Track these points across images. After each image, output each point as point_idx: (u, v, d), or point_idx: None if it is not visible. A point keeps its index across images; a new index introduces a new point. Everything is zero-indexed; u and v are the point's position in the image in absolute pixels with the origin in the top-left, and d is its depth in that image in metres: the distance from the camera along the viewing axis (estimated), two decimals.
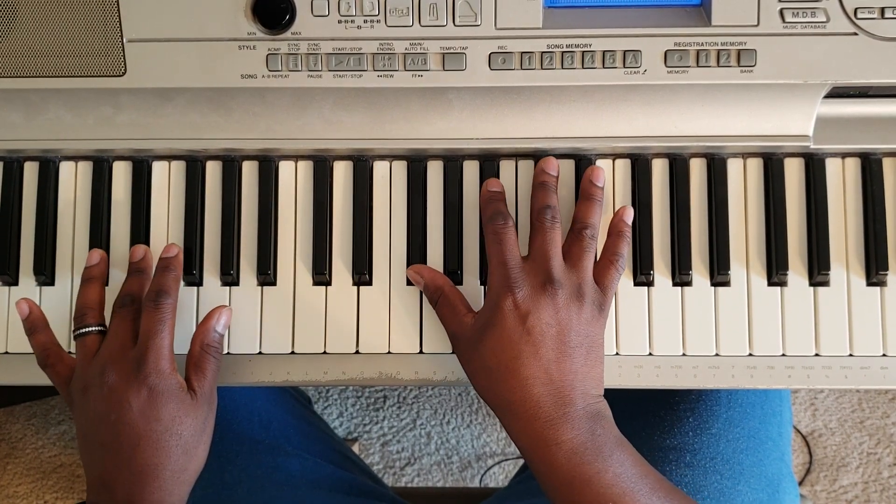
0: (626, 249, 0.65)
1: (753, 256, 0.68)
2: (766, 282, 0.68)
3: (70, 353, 0.67)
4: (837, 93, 0.67)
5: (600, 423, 0.59)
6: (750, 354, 0.67)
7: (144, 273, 0.67)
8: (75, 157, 0.70)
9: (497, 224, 0.64)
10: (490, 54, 0.65)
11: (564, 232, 0.66)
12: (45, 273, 0.69)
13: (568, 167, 0.69)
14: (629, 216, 0.67)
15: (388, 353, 0.68)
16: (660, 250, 0.68)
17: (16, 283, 0.70)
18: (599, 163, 0.69)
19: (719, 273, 0.67)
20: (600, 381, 0.62)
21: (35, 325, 0.67)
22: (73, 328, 0.66)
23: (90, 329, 0.65)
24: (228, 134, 0.68)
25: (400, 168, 0.70)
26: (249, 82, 0.66)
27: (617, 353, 0.68)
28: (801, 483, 1.38)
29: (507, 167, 0.69)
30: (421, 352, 0.68)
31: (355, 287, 0.69)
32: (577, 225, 0.65)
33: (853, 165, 0.69)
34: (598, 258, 0.66)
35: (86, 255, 0.69)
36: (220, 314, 0.66)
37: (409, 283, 0.69)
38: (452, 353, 0.68)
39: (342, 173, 0.70)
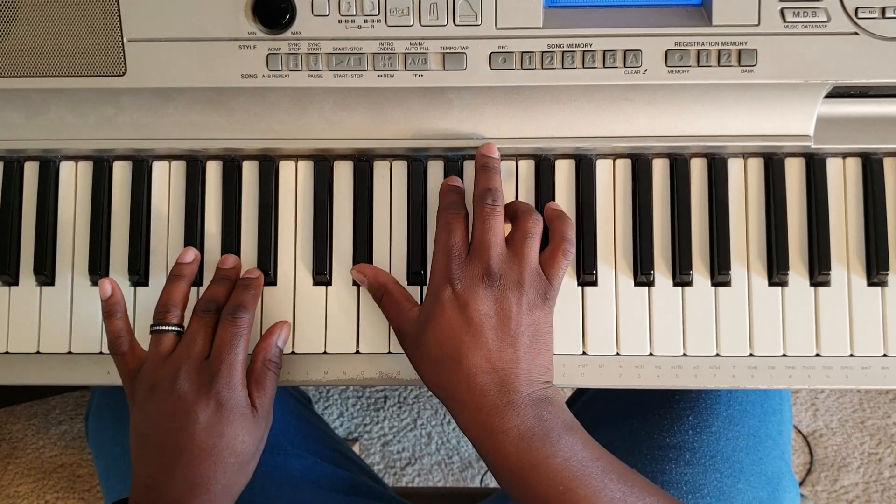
0: (571, 232, 0.64)
1: (754, 256, 0.68)
2: (766, 282, 0.68)
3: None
4: (838, 92, 0.67)
5: (547, 408, 0.59)
6: (751, 354, 0.67)
7: (230, 281, 0.67)
8: (76, 157, 0.70)
9: (449, 213, 0.64)
10: (490, 54, 0.65)
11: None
12: (46, 273, 0.69)
13: (568, 167, 0.69)
14: (557, 204, 0.67)
15: (389, 352, 0.68)
16: (660, 250, 0.68)
17: (16, 283, 0.70)
18: (600, 162, 0.69)
19: (720, 273, 0.67)
20: (548, 368, 0.61)
21: (114, 308, 0.66)
22: (152, 322, 0.65)
23: (170, 328, 0.64)
24: (229, 134, 0.68)
25: (400, 168, 0.70)
26: (250, 82, 0.66)
27: (617, 354, 0.68)
28: (801, 483, 1.37)
29: (507, 167, 0.69)
30: None
31: (355, 287, 0.69)
32: (516, 211, 0.64)
33: (854, 165, 0.69)
34: (546, 248, 0.64)
35: (85, 256, 0.69)
36: (280, 329, 0.66)
37: (409, 283, 0.69)
38: None
39: (343, 173, 0.70)
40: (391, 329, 0.68)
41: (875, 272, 0.67)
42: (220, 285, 0.66)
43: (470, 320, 0.60)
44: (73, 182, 0.70)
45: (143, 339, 0.66)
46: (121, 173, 0.70)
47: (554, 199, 0.68)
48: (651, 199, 0.68)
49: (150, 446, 0.62)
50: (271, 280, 0.69)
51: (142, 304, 0.69)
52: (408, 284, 0.68)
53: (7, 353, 0.69)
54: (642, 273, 0.67)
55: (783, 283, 0.68)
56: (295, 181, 0.70)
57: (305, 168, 0.70)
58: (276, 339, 0.66)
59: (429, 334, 0.61)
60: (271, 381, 0.65)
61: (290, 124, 0.68)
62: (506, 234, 0.64)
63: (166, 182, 0.70)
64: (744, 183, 0.69)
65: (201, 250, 0.69)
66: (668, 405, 0.77)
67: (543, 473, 0.57)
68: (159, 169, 0.70)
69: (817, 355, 0.67)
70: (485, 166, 0.65)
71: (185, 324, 0.65)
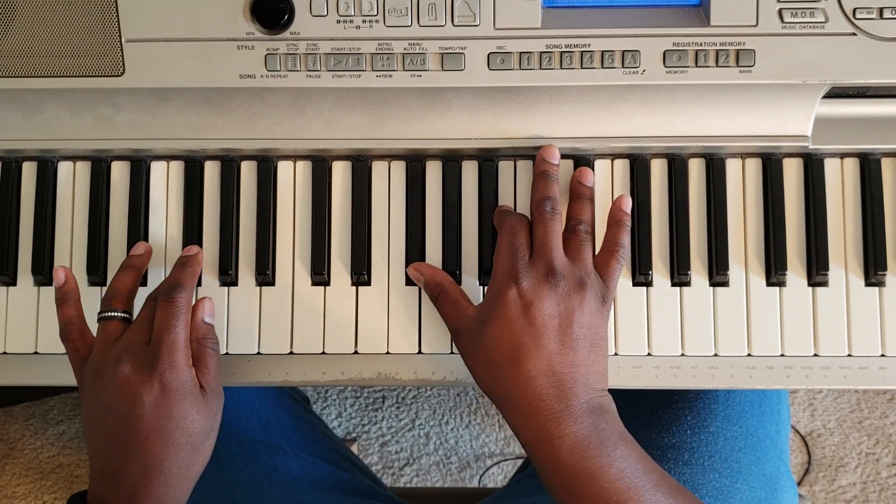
0: (626, 239, 0.65)
1: (752, 256, 0.68)
2: (764, 282, 0.68)
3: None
4: (836, 93, 0.67)
5: (604, 416, 0.59)
6: (749, 355, 0.67)
7: (191, 265, 0.66)
8: (74, 157, 0.70)
9: (514, 218, 0.64)
10: (489, 54, 0.65)
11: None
12: (44, 273, 0.69)
13: (567, 167, 0.69)
14: (627, 205, 0.66)
15: (387, 353, 0.68)
16: (658, 250, 0.68)
17: (14, 283, 0.70)
18: (598, 163, 0.69)
19: (718, 273, 0.67)
20: (604, 375, 0.61)
21: (67, 296, 0.66)
22: (99, 310, 0.65)
23: (115, 314, 0.64)
24: (227, 134, 0.68)
25: (399, 168, 0.70)
26: (248, 82, 0.66)
27: (616, 354, 0.68)
28: (799, 483, 1.38)
29: (505, 167, 0.69)
30: (420, 352, 0.68)
31: (354, 287, 0.69)
32: (571, 222, 0.65)
33: (852, 165, 0.69)
34: (598, 251, 0.66)
35: (83, 256, 0.69)
36: (202, 305, 0.65)
37: (407, 283, 0.69)
38: (451, 353, 0.68)
39: (341, 173, 0.70)
40: (389, 329, 0.68)
41: (873, 272, 0.67)
42: (183, 270, 0.66)
43: (533, 320, 0.59)
44: (71, 182, 0.70)
45: None
46: (119, 173, 0.70)
47: None
48: (649, 200, 0.68)
49: (101, 434, 0.62)
50: (269, 280, 0.69)
51: (139, 303, 0.69)
52: (406, 285, 0.68)
53: (5, 353, 0.69)
54: (640, 273, 0.68)
55: (781, 284, 0.68)
56: (293, 181, 0.70)
57: (304, 168, 0.70)
58: (201, 316, 0.65)
59: (488, 333, 0.60)
60: (212, 358, 0.64)
61: (289, 124, 0.68)
62: None
63: (164, 182, 0.70)
64: (742, 183, 0.69)
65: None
66: (667, 405, 0.77)
67: (597, 483, 0.56)
68: (157, 169, 0.70)
69: (815, 355, 0.67)
70: (544, 174, 0.66)
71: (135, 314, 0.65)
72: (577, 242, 0.64)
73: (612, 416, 0.60)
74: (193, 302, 0.66)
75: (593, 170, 0.69)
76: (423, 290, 0.68)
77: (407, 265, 0.68)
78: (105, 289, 0.67)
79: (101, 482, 0.62)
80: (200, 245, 0.69)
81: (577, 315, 0.60)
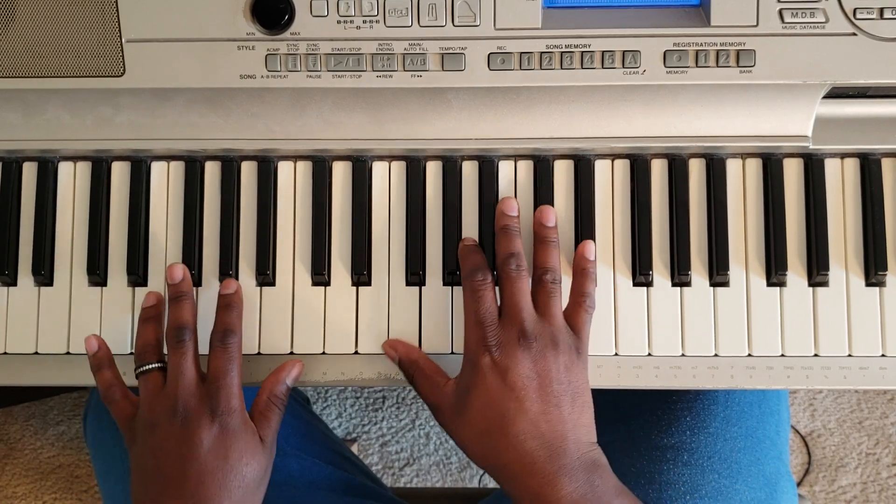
0: (592, 287, 0.65)
1: (752, 257, 0.68)
2: (765, 282, 0.68)
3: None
4: (836, 93, 0.67)
5: (598, 472, 0.59)
6: (749, 355, 0.67)
7: (187, 296, 0.66)
8: (74, 158, 0.70)
9: (476, 280, 0.64)
10: (489, 55, 0.65)
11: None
12: (44, 273, 0.69)
13: (566, 168, 0.69)
14: (590, 252, 0.66)
15: None
16: (659, 251, 0.68)
17: (14, 284, 0.70)
18: (598, 163, 0.69)
19: (718, 273, 0.67)
20: (591, 428, 0.61)
21: (102, 362, 0.66)
22: (135, 366, 0.65)
23: (153, 366, 0.65)
24: (227, 134, 0.68)
25: (399, 168, 0.70)
26: (248, 83, 0.66)
27: (616, 354, 0.68)
28: (799, 483, 1.38)
29: (506, 167, 0.69)
30: None
31: (354, 287, 0.69)
32: (538, 271, 0.65)
33: (852, 166, 0.69)
34: (566, 304, 0.65)
35: (84, 256, 0.69)
36: (291, 367, 0.66)
37: (408, 283, 0.69)
38: (451, 353, 0.68)
39: (341, 174, 0.70)
40: (389, 329, 0.68)
41: (873, 272, 0.67)
42: (179, 306, 0.66)
43: (512, 385, 0.60)
44: (72, 182, 0.70)
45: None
46: (119, 174, 0.70)
47: (552, 200, 0.68)
48: (649, 200, 0.68)
49: (156, 479, 0.62)
50: (270, 281, 0.69)
51: (140, 304, 0.69)
52: (406, 285, 0.68)
53: (5, 353, 0.69)
54: (641, 273, 0.67)
55: (781, 284, 0.68)
56: (293, 182, 0.70)
57: (304, 168, 0.70)
58: (285, 377, 0.66)
59: (471, 405, 0.61)
60: (276, 416, 0.65)
61: (289, 125, 0.68)
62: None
63: (165, 183, 0.70)
64: (742, 183, 0.69)
65: (200, 250, 0.69)
66: (666, 406, 0.77)
67: None
68: (158, 169, 0.70)
69: (815, 356, 0.67)
70: (505, 229, 0.66)
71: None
72: (546, 295, 0.63)
73: (605, 471, 0.60)
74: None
75: (593, 170, 0.69)
76: (399, 365, 0.67)
77: (407, 266, 0.68)
78: (104, 290, 0.68)
79: None
80: (200, 245, 0.69)
81: (554, 373, 0.60)
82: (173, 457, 0.61)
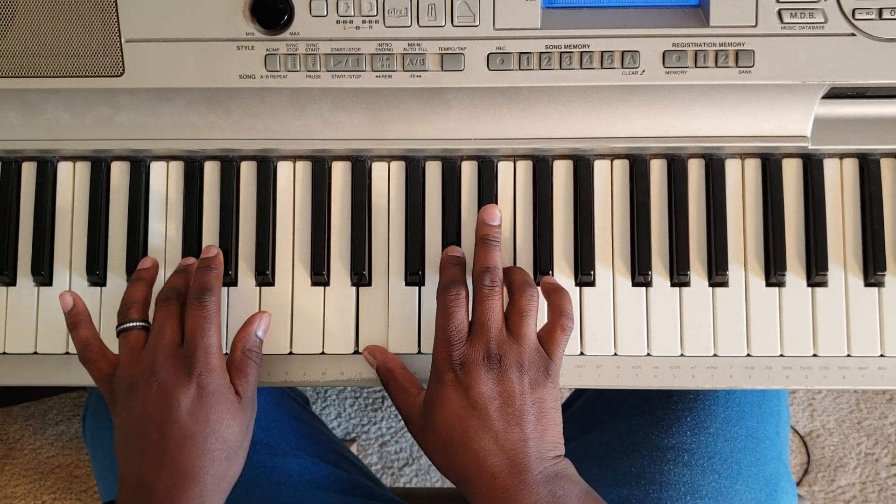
0: (569, 306, 0.63)
1: (751, 257, 0.68)
2: (764, 282, 0.68)
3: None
4: (835, 93, 0.67)
5: (560, 483, 0.59)
6: (748, 355, 0.67)
7: (189, 272, 0.66)
8: (73, 158, 0.70)
9: (449, 296, 0.62)
10: (488, 55, 0.65)
11: None
12: (43, 273, 0.69)
13: (566, 168, 0.69)
14: (551, 278, 0.66)
15: None
16: (658, 251, 0.68)
17: (13, 284, 0.70)
18: (598, 163, 0.69)
19: (717, 273, 0.67)
20: (558, 443, 0.61)
21: (78, 319, 0.66)
22: (117, 324, 0.65)
23: (135, 324, 0.64)
24: (227, 134, 0.68)
25: (398, 168, 0.70)
26: (248, 83, 0.66)
27: (615, 354, 0.68)
28: (799, 483, 1.38)
29: (505, 168, 0.69)
30: (419, 352, 0.68)
31: (354, 287, 0.69)
32: (515, 284, 0.63)
33: (851, 166, 0.69)
34: (543, 325, 0.64)
35: (83, 256, 0.69)
36: (260, 319, 0.66)
37: (407, 283, 0.69)
38: None
39: (340, 174, 0.70)
40: (388, 329, 0.68)
41: (872, 273, 0.67)
42: (180, 275, 0.66)
43: (474, 403, 0.60)
44: (71, 182, 0.70)
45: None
46: (118, 174, 0.70)
47: (552, 199, 0.69)
48: (649, 200, 0.68)
49: (135, 445, 0.61)
50: (269, 281, 0.69)
51: None
52: (406, 285, 0.69)
53: (4, 353, 0.69)
54: (640, 274, 0.68)
55: (780, 284, 0.68)
56: (293, 181, 0.70)
57: (303, 168, 0.70)
58: (255, 329, 0.65)
59: (435, 419, 0.61)
60: (253, 370, 0.64)
61: (288, 125, 0.68)
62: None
63: (164, 182, 0.70)
64: (741, 184, 0.69)
65: (199, 250, 0.69)
66: (666, 406, 0.77)
67: None
68: (157, 169, 0.70)
69: (814, 356, 0.67)
70: (484, 239, 0.65)
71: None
72: (519, 311, 0.62)
73: (569, 481, 0.60)
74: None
75: (593, 170, 0.69)
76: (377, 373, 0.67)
77: (407, 265, 0.68)
78: (104, 290, 0.68)
79: (135, 492, 0.61)
80: (200, 246, 0.69)
81: (518, 392, 0.60)
82: (153, 421, 0.60)
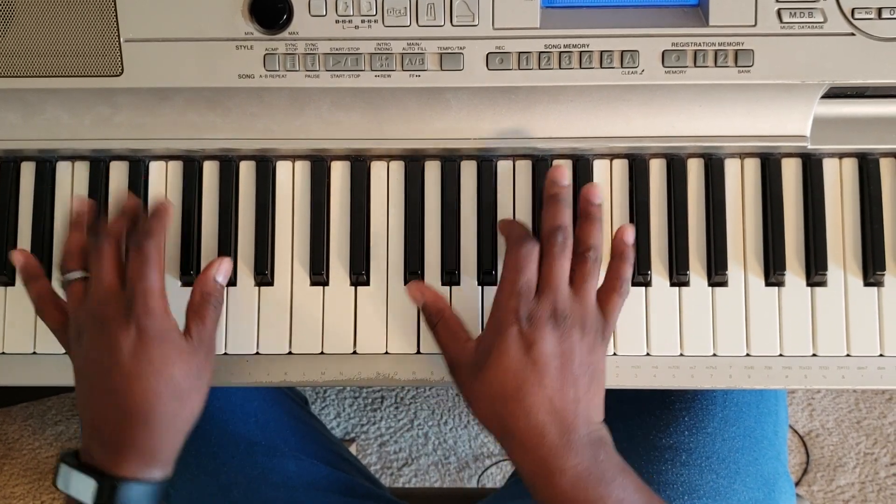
0: (629, 272, 0.64)
1: (751, 256, 0.68)
2: (763, 282, 0.68)
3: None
4: (835, 93, 0.67)
5: (603, 448, 0.60)
6: (747, 355, 0.67)
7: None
8: (72, 157, 0.70)
9: (524, 248, 0.62)
10: (487, 54, 0.65)
11: None
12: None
13: (565, 168, 0.69)
14: (630, 236, 0.65)
15: (386, 353, 0.68)
16: (657, 250, 0.68)
17: (12, 284, 0.70)
18: (597, 163, 0.69)
19: (717, 273, 0.67)
20: (601, 407, 0.62)
21: (29, 273, 0.66)
22: (60, 276, 0.65)
23: (74, 275, 0.64)
24: (226, 134, 0.68)
25: (397, 168, 0.70)
26: (247, 82, 0.66)
27: (614, 354, 0.68)
28: (798, 483, 1.38)
29: (504, 167, 0.69)
30: (418, 352, 0.68)
31: (353, 287, 0.69)
32: (581, 247, 0.64)
33: (850, 166, 0.69)
34: (601, 285, 0.64)
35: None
36: (220, 263, 0.66)
37: (406, 283, 0.69)
38: None
39: (340, 173, 0.70)
40: (388, 329, 0.68)
41: (871, 272, 0.67)
42: (118, 220, 0.65)
43: (535, 361, 0.60)
44: (70, 182, 0.70)
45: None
46: (117, 173, 0.70)
47: None
48: (648, 200, 0.68)
49: (87, 388, 0.62)
50: (268, 280, 0.69)
51: None
52: (405, 285, 0.68)
53: (3, 353, 0.69)
54: (639, 273, 0.68)
55: (780, 284, 0.68)
56: (292, 181, 0.70)
57: (302, 168, 0.70)
58: (214, 273, 0.65)
59: (489, 369, 0.60)
60: (211, 313, 0.64)
61: (287, 124, 0.68)
62: None
63: (163, 182, 0.70)
64: (740, 183, 0.69)
65: (198, 250, 0.69)
66: (665, 406, 0.77)
67: None
68: (156, 169, 0.70)
69: (814, 355, 0.67)
70: (555, 197, 0.64)
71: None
72: (584, 273, 0.63)
73: (610, 448, 0.60)
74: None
75: (592, 170, 0.69)
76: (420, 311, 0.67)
77: (406, 265, 0.68)
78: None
79: (91, 437, 0.62)
80: (199, 245, 0.69)
81: (577, 353, 0.61)
82: (100, 365, 0.61)
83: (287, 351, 0.68)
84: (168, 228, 0.66)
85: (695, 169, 0.69)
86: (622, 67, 0.65)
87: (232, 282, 0.69)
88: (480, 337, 0.63)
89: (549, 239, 0.63)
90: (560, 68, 0.65)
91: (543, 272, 0.62)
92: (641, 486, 0.60)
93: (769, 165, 0.68)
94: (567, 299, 0.62)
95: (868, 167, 0.68)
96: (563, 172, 0.65)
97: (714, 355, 0.67)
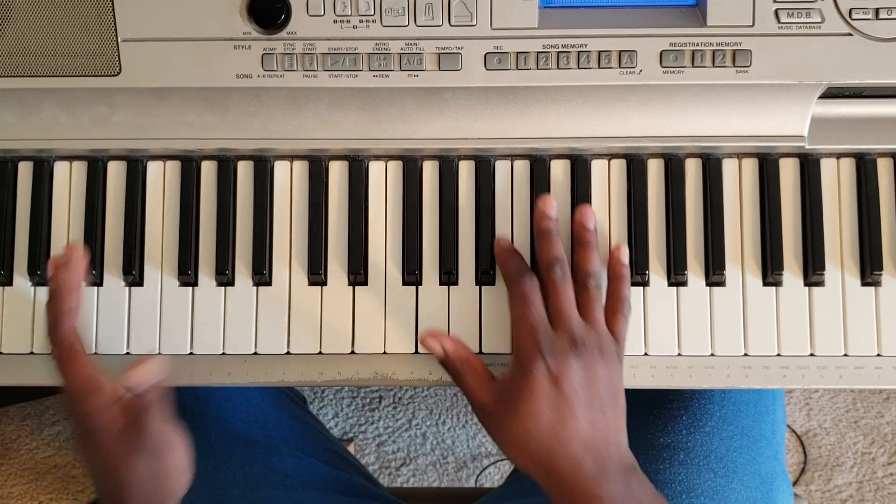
0: (628, 292, 0.66)
1: (748, 256, 0.68)
2: (761, 282, 0.68)
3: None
4: (832, 93, 0.67)
5: (635, 475, 0.61)
6: (745, 354, 0.67)
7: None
8: (70, 157, 0.70)
9: (525, 283, 0.64)
10: (485, 54, 0.65)
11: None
12: (40, 273, 0.69)
13: (563, 167, 0.69)
14: (625, 256, 0.66)
15: (384, 353, 0.68)
16: (655, 251, 0.68)
17: (10, 283, 0.69)
18: (595, 163, 0.69)
19: (714, 273, 0.67)
20: (625, 430, 0.63)
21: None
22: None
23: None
24: (223, 134, 0.68)
25: (395, 168, 0.70)
26: (245, 82, 0.66)
27: None
28: (795, 483, 1.38)
29: (502, 167, 0.69)
30: (416, 352, 0.68)
31: (351, 287, 0.69)
32: (580, 275, 0.65)
33: (848, 166, 0.69)
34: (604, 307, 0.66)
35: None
36: (146, 365, 0.62)
37: (404, 283, 0.69)
38: None
39: (337, 173, 0.70)
40: (386, 329, 0.68)
41: (869, 272, 0.67)
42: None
43: (566, 394, 0.60)
44: (68, 182, 0.70)
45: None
46: (115, 173, 0.70)
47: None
48: (646, 200, 0.68)
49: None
50: (266, 280, 0.69)
51: (136, 303, 0.69)
52: (403, 285, 0.68)
53: (1, 353, 0.69)
54: (637, 273, 0.68)
55: (777, 284, 0.68)
56: (290, 181, 0.70)
57: (300, 168, 0.70)
58: (144, 379, 0.62)
59: (521, 408, 0.61)
60: (147, 416, 0.61)
61: (285, 124, 0.68)
62: None
63: (161, 182, 0.70)
64: (738, 183, 0.69)
65: (196, 250, 0.69)
66: (662, 405, 0.77)
67: None
68: (154, 169, 0.70)
69: (811, 355, 0.67)
70: (546, 232, 0.65)
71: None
72: (590, 301, 0.64)
73: (640, 474, 0.61)
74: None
75: (590, 170, 0.69)
76: (442, 362, 0.66)
77: (404, 265, 0.68)
78: (100, 290, 0.68)
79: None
80: (197, 245, 0.69)
81: (601, 379, 0.61)
82: (85, 457, 0.65)
83: (285, 351, 0.68)
84: (81, 281, 0.63)
85: (693, 169, 0.69)
86: (620, 67, 0.65)
87: (230, 282, 0.69)
88: (507, 377, 0.63)
89: (548, 272, 0.64)
90: (558, 68, 0.65)
91: (552, 304, 0.63)
92: None
93: (767, 165, 0.68)
94: (582, 327, 0.63)
95: (866, 167, 0.68)
96: (551, 204, 0.66)
97: (712, 355, 0.67)
